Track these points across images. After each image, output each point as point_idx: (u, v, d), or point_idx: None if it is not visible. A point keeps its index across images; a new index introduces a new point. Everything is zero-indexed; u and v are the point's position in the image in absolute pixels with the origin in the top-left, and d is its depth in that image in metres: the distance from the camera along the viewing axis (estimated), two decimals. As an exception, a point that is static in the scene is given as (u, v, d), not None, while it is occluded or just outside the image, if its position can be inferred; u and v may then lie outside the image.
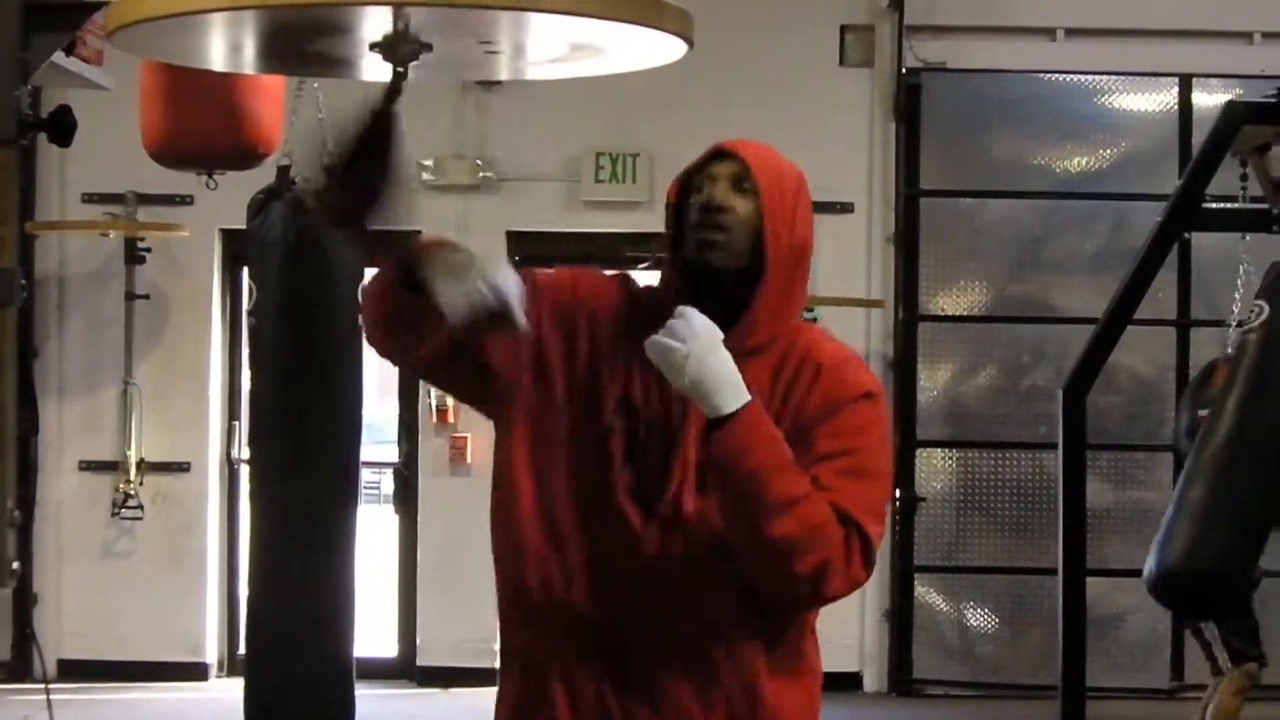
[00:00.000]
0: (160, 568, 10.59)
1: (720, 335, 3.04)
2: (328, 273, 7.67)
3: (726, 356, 3.03)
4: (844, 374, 3.19)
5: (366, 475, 16.75)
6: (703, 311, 3.06)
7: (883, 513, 3.16)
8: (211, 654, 10.69)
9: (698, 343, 3.01)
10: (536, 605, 3.18)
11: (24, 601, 10.28)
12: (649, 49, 3.90)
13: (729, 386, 3.02)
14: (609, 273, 3.35)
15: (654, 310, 3.14)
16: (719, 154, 3.21)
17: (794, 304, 3.23)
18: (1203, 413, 7.98)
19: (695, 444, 3.11)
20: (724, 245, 3.15)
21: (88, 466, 10.64)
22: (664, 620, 3.13)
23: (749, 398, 3.02)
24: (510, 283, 3.02)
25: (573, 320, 3.23)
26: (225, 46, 4.14)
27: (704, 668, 3.15)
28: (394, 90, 3.58)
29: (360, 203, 3.07)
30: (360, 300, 3.23)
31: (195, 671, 10.57)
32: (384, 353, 3.24)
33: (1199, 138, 9.44)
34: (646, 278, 3.35)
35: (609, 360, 3.21)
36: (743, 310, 3.16)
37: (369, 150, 3.07)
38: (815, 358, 3.19)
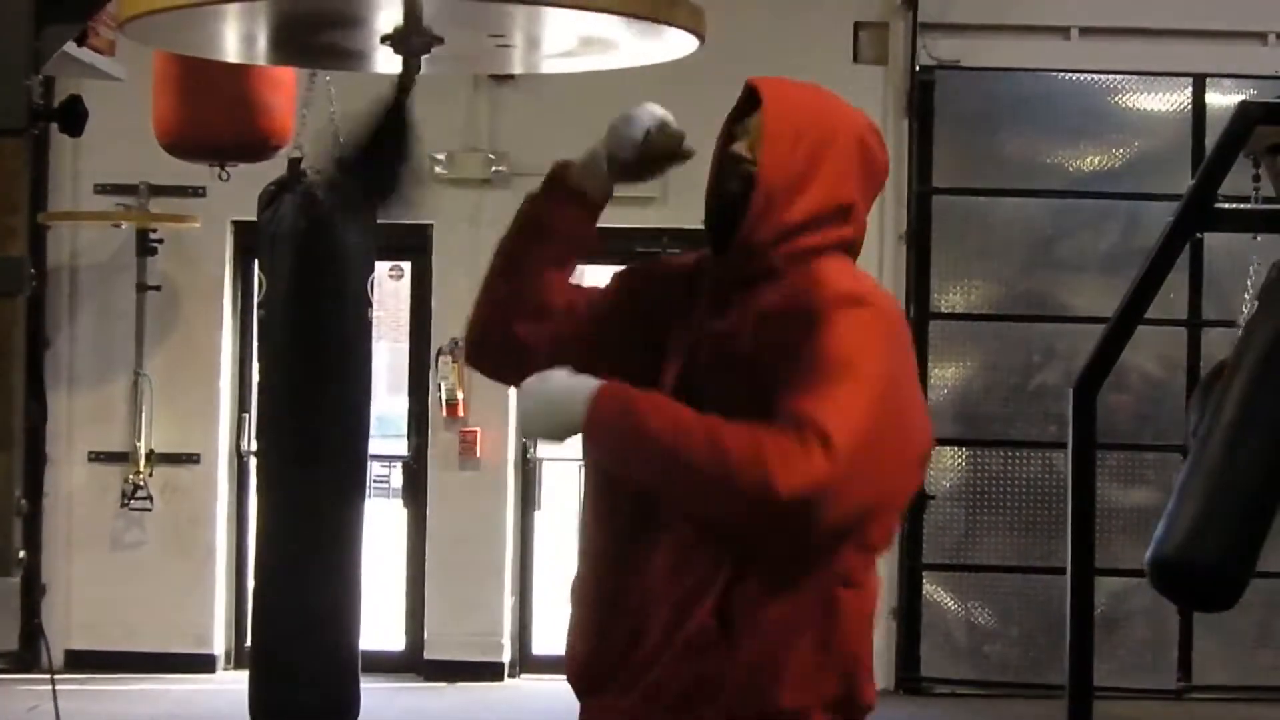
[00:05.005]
0: (169, 559, 10.59)
1: (543, 377, 3.14)
2: (337, 265, 7.67)
3: (547, 388, 3.13)
4: (822, 292, 3.14)
5: (376, 469, 16.80)
6: None
7: (852, 409, 3.00)
8: (219, 646, 10.68)
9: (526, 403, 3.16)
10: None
11: (32, 592, 10.29)
12: (660, 44, 3.91)
13: (565, 405, 3.09)
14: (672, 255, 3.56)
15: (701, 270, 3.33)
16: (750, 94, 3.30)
17: (789, 232, 3.21)
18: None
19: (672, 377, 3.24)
20: (739, 195, 3.24)
21: (97, 457, 10.65)
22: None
23: (588, 396, 3.07)
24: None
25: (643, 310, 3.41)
26: (237, 38, 4.15)
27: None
28: (405, 84, 3.58)
29: (372, 193, 3.08)
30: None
31: (202, 663, 10.57)
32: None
33: (1212, 138, 9.41)
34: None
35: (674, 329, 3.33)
36: None
37: (381, 143, 3.09)
38: (807, 297, 3.15)
